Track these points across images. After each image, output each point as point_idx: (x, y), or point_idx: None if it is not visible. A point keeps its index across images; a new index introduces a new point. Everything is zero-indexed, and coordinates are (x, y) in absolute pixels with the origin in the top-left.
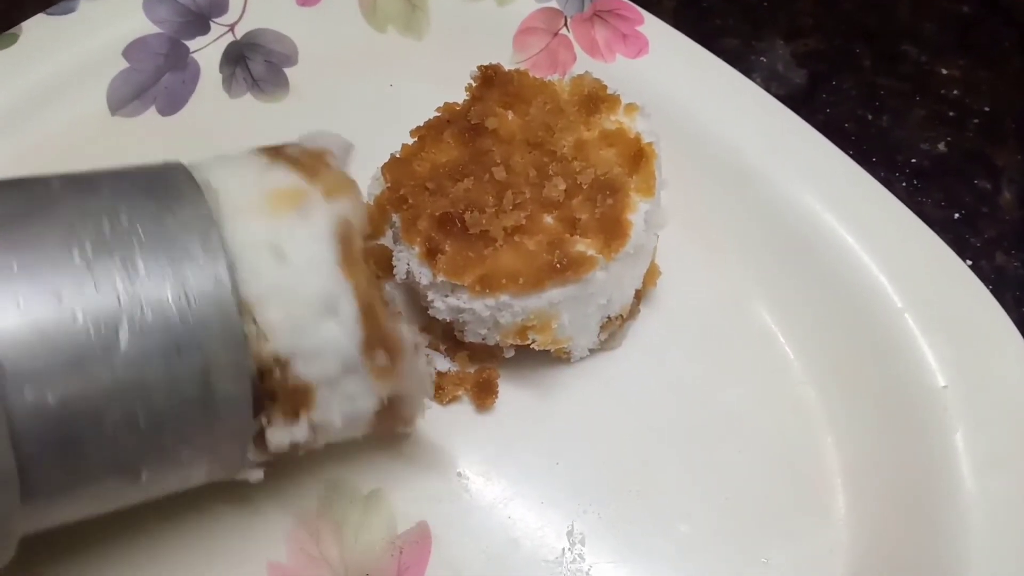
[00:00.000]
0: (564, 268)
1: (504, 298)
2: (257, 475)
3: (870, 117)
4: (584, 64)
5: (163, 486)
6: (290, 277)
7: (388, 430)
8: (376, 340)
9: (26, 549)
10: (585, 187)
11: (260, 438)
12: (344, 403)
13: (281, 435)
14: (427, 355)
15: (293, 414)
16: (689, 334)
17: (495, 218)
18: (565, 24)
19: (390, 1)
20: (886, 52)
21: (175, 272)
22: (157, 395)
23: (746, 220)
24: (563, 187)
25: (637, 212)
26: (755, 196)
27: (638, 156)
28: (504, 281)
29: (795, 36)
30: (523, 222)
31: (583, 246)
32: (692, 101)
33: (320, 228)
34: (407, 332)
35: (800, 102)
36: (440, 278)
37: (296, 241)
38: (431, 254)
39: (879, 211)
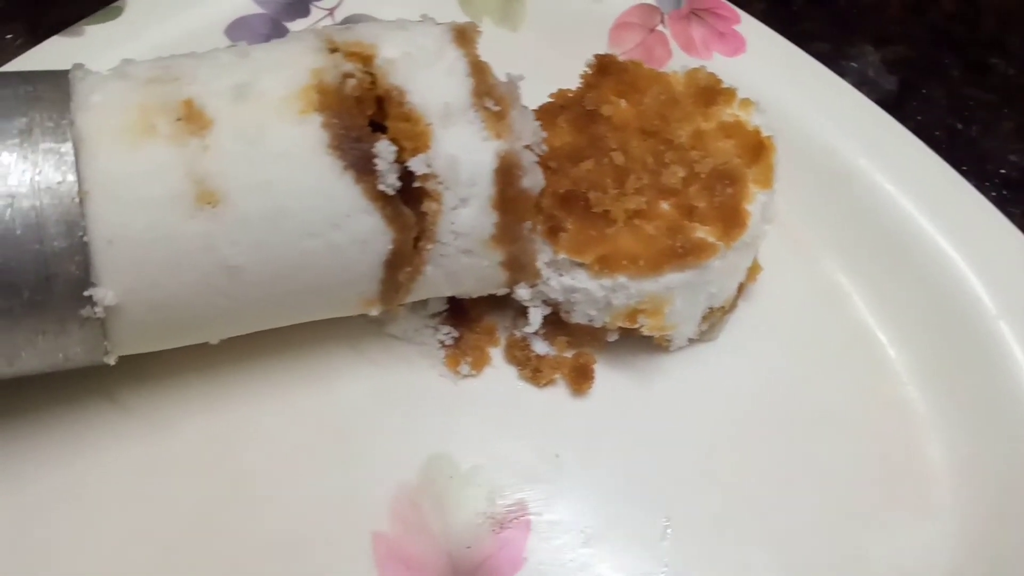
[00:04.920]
0: (685, 253)
1: (622, 279)
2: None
3: (959, 126)
4: (680, 61)
5: None
6: (407, 31)
7: (511, 266)
8: (484, 90)
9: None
10: (703, 176)
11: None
12: (460, 149)
13: (387, 164)
14: (524, 337)
15: (412, 150)
16: (786, 330)
17: (617, 200)
18: (662, 20)
19: None
20: (974, 63)
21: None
22: None
23: (843, 220)
24: (682, 174)
25: (755, 203)
26: (852, 197)
27: (758, 148)
28: (625, 262)
29: (884, 43)
30: (644, 206)
31: (703, 233)
32: (789, 101)
33: (439, 29)
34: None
35: (891, 108)
36: (561, 255)
37: (415, 22)
38: (552, 232)
39: (976, 218)
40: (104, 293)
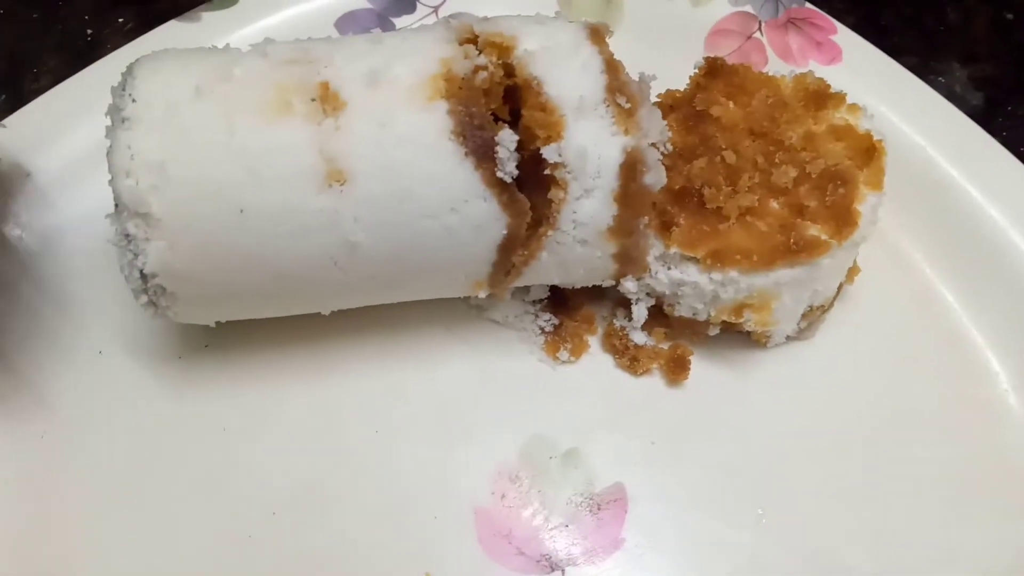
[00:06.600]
0: (799, 249)
1: (733, 273)
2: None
3: None
4: (775, 68)
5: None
6: (545, 26)
7: (622, 259)
8: (617, 87)
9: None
10: (814, 176)
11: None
12: (590, 141)
13: (508, 152)
14: (622, 326)
15: (545, 139)
16: (882, 331)
17: (730, 197)
18: (759, 28)
19: None
20: None
21: None
22: None
23: (937, 227)
24: (793, 174)
25: (865, 203)
26: (946, 205)
27: (870, 151)
28: (738, 257)
29: (971, 60)
30: (755, 204)
31: (815, 231)
32: (885, 110)
33: (575, 26)
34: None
35: (977, 123)
36: (672, 249)
37: (552, 18)
38: (665, 227)
39: None
40: None
